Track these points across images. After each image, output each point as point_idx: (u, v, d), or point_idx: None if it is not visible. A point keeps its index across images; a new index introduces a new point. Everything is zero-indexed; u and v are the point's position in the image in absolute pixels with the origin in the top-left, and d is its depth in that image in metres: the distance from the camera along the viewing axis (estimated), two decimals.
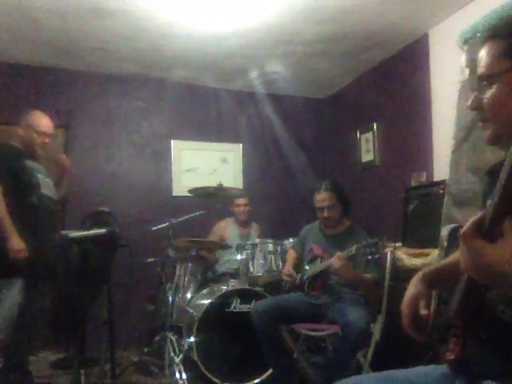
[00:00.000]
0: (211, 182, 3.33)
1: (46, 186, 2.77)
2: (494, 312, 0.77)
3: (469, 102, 0.89)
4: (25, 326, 2.58)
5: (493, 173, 0.93)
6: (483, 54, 0.86)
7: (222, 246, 3.49)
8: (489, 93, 0.83)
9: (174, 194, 4.20)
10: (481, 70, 0.86)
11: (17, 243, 2.44)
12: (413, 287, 1.05)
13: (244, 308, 2.95)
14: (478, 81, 0.86)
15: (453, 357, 0.89)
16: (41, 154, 2.83)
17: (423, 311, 0.97)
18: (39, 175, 2.72)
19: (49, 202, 2.74)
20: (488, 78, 0.83)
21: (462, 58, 2.74)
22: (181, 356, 2.76)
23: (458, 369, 0.90)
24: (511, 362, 0.75)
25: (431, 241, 2.64)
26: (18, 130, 2.77)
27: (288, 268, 2.95)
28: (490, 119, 0.85)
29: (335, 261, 2.52)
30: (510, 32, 0.80)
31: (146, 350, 3.33)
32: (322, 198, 2.79)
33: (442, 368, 0.98)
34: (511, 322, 0.74)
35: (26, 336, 2.65)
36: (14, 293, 2.50)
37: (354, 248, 2.45)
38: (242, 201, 3.79)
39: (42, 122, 2.80)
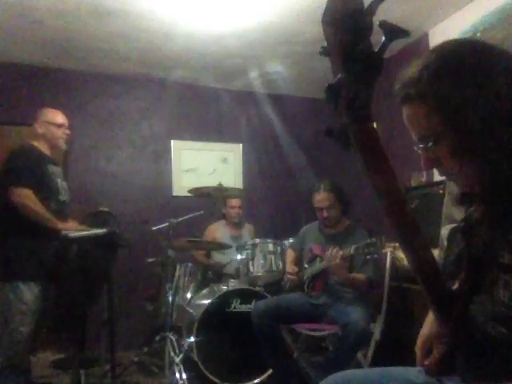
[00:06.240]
0: (211, 181, 3.34)
1: (64, 190, 2.76)
2: (486, 327, 0.76)
3: (422, 163, 0.84)
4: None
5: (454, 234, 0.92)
6: (410, 116, 0.83)
7: (222, 246, 3.48)
8: (439, 151, 0.78)
9: (174, 193, 4.20)
10: (416, 132, 0.82)
11: (68, 227, 2.61)
12: (428, 326, 0.95)
13: (244, 308, 2.95)
14: (419, 143, 0.82)
15: (427, 363, 0.87)
16: (64, 149, 2.83)
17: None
18: (58, 180, 2.72)
19: (64, 207, 2.74)
20: (428, 139, 0.79)
21: None
22: (181, 356, 2.75)
23: (431, 376, 0.89)
24: (496, 375, 0.74)
25: (431, 241, 2.63)
26: (37, 130, 2.72)
27: (291, 267, 2.94)
28: (453, 176, 0.81)
29: (329, 256, 2.51)
30: (433, 93, 0.77)
31: (146, 349, 3.34)
32: (321, 198, 2.78)
33: None
34: (501, 338, 0.74)
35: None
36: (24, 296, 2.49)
37: (352, 248, 2.44)
38: (235, 202, 3.76)
39: (58, 115, 2.78)
